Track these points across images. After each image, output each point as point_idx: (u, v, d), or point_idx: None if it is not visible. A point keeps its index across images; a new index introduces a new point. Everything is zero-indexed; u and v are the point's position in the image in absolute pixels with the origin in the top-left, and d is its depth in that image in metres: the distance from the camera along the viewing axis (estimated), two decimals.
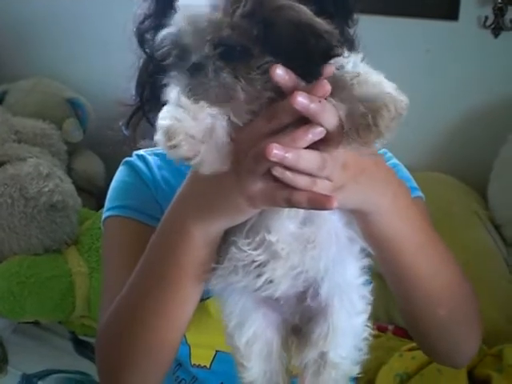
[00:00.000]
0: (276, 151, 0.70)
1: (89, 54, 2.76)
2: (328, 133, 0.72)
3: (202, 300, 1.03)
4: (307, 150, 0.72)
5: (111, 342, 0.93)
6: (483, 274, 2.14)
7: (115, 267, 1.03)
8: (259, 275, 0.81)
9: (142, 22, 1.03)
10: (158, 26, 1.03)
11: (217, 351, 1.09)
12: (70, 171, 2.60)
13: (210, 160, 0.74)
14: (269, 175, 0.72)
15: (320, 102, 0.71)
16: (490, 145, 2.43)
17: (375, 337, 1.94)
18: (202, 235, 0.82)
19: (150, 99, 1.02)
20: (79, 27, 2.77)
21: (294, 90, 0.71)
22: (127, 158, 1.13)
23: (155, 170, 1.10)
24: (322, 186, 0.74)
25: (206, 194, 0.80)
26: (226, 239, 0.83)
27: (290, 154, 0.70)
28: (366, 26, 2.41)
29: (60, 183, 2.25)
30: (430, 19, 2.51)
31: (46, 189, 2.19)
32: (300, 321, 0.90)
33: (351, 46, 1.02)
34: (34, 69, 2.85)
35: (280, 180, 0.72)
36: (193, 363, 1.11)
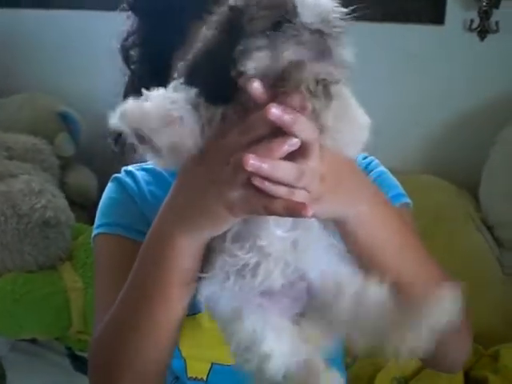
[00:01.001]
0: (252, 161, 0.71)
1: (80, 69, 2.77)
2: (304, 144, 0.74)
3: (194, 314, 1.04)
4: (283, 161, 0.74)
5: (102, 357, 0.94)
6: (477, 275, 2.15)
7: (105, 284, 1.04)
8: (254, 276, 0.82)
9: (126, 39, 1.04)
10: (142, 42, 1.05)
11: (212, 363, 1.10)
12: (62, 185, 2.60)
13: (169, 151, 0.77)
14: (248, 184, 0.74)
15: (293, 113, 0.72)
16: (480, 146, 2.44)
17: None
18: (186, 245, 0.83)
19: None
20: (71, 42, 2.78)
21: (268, 102, 0.73)
22: (115, 175, 1.14)
23: (143, 185, 1.11)
24: (299, 196, 0.75)
25: (188, 205, 0.82)
26: (212, 248, 0.84)
27: (266, 164, 0.72)
28: (353, 32, 2.43)
29: (52, 199, 2.25)
30: (416, 24, 2.53)
31: (39, 205, 2.18)
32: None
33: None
34: (26, 84, 2.85)
35: (259, 189, 0.74)
36: (189, 376, 1.11)
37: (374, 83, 2.53)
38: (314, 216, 0.77)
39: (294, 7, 0.75)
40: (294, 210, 0.74)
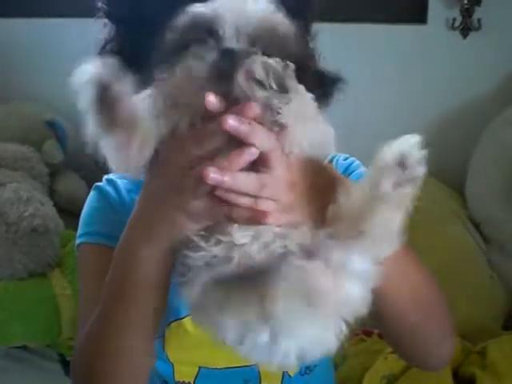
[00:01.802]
0: (213, 175, 0.72)
1: (67, 76, 2.77)
2: (264, 153, 0.74)
3: (180, 319, 1.05)
4: (244, 173, 0.74)
5: (82, 365, 0.95)
6: (465, 272, 2.16)
7: (87, 293, 1.05)
8: (229, 260, 0.80)
9: (104, 47, 1.05)
10: (119, 50, 1.06)
11: (200, 367, 1.10)
12: (52, 193, 2.60)
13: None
14: (210, 194, 0.75)
15: (250, 123, 0.73)
16: (465, 144, 2.46)
17: (360, 341, 1.97)
18: (149, 252, 0.83)
19: None
20: (57, 50, 2.78)
21: (223, 112, 0.73)
22: (97, 183, 1.15)
23: (124, 193, 1.12)
24: (264, 206, 0.76)
25: (149, 214, 0.83)
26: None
27: (227, 177, 0.73)
28: (336, 34, 2.45)
29: (40, 207, 2.25)
30: (399, 24, 2.55)
31: (27, 213, 2.18)
32: None
33: (311, 59, 1.03)
34: (12, 92, 2.85)
35: (220, 198, 0.75)
36: (177, 380, 1.11)
37: (356, 83, 2.54)
38: (285, 224, 0.78)
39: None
40: (253, 219, 0.75)
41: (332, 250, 0.78)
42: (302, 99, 0.76)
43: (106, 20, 1.06)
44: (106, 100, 0.77)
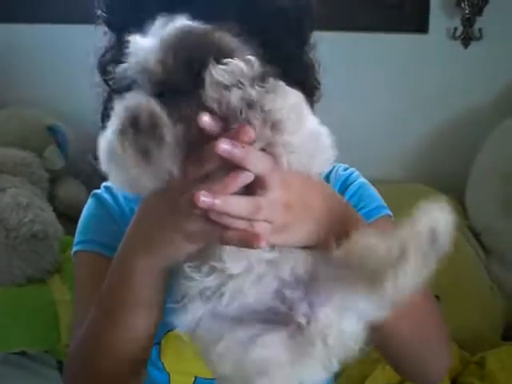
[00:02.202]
0: (203, 198, 0.71)
1: (69, 82, 2.77)
2: (259, 176, 0.74)
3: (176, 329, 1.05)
4: (236, 196, 0.74)
5: (74, 376, 0.95)
6: (465, 282, 2.16)
7: (82, 301, 1.05)
8: (221, 295, 0.81)
9: (103, 55, 1.05)
10: (120, 58, 1.06)
11: (196, 377, 1.10)
12: (51, 198, 2.60)
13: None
14: (204, 215, 0.74)
15: (244, 147, 0.72)
16: (466, 153, 2.47)
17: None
18: (145, 272, 0.83)
19: None
20: (59, 56, 2.78)
21: (219, 135, 0.72)
22: (95, 191, 1.15)
23: (122, 201, 1.11)
24: (260, 228, 0.75)
25: (146, 234, 0.82)
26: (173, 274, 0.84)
27: (218, 200, 0.72)
28: (338, 42, 2.46)
29: (40, 213, 2.26)
30: (400, 33, 2.56)
31: (26, 219, 2.19)
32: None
33: (311, 70, 1.03)
34: (14, 98, 2.86)
35: (215, 221, 0.74)
36: None
37: (358, 92, 2.56)
38: (282, 245, 0.78)
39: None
40: (247, 241, 0.74)
41: (335, 290, 0.78)
42: (285, 89, 0.74)
43: (106, 28, 1.06)
44: (145, 136, 0.75)
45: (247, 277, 0.79)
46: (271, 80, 0.73)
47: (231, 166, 0.73)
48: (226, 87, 0.72)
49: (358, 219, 0.90)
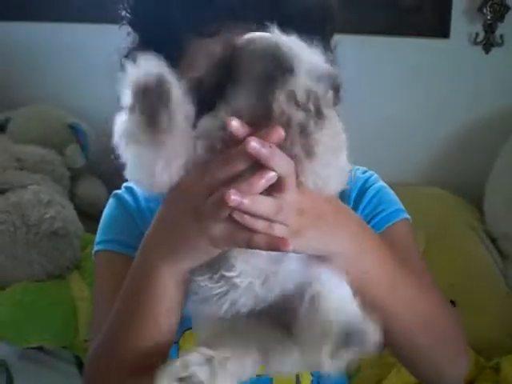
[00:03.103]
0: (234, 197, 0.72)
1: (91, 80, 2.79)
2: (280, 178, 0.75)
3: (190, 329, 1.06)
4: (262, 196, 0.75)
5: (94, 378, 0.96)
6: (480, 288, 2.16)
7: (102, 301, 1.06)
8: (221, 304, 0.84)
9: (127, 56, 1.06)
10: None
11: None
12: (72, 196, 2.62)
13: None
14: (230, 218, 0.75)
15: (271, 147, 0.73)
16: (485, 158, 2.46)
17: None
18: (168, 276, 0.84)
19: None
20: (81, 54, 2.80)
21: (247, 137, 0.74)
22: (116, 191, 1.16)
23: (142, 202, 1.13)
24: (279, 230, 0.76)
25: (169, 237, 0.83)
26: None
27: (247, 199, 0.73)
28: (359, 46, 2.46)
29: (61, 210, 2.28)
30: (421, 37, 2.56)
31: (47, 215, 2.21)
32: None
33: None
34: (36, 96, 2.88)
35: (240, 223, 0.75)
36: None
37: (379, 96, 2.56)
38: (294, 251, 0.78)
39: (291, 62, 0.77)
40: (273, 245, 0.76)
41: None
42: (335, 130, 0.76)
43: (130, 29, 1.07)
44: (152, 99, 0.75)
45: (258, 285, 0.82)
46: (329, 114, 0.75)
47: (256, 168, 0.74)
48: (296, 103, 0.74)
49: (372, 235, 0.91)
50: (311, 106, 0.74)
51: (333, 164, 0.77)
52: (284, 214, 0.76)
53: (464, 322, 1.05)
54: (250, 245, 0.77)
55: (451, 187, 2.52)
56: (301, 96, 0.74)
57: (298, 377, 1.09)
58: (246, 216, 0.75)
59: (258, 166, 0.74)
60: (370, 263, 0.88)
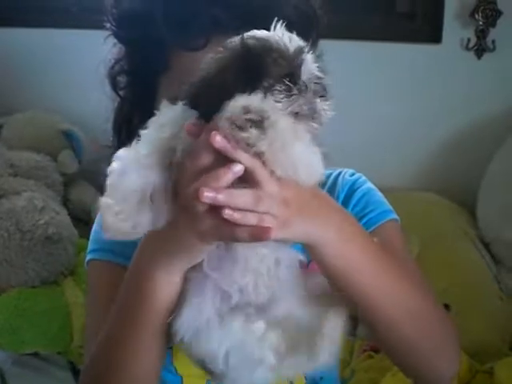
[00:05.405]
0: (207, 193, 0.74)
1: (84, 86, 2.79)
2: (249, 170, 0.76)
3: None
4: (239, 189, 0.76)
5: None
6: (474, 292, 2.16)
7: (96, 310, 1.06)
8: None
9: (113, 67, 1.08)
10: (128, 69, 1.08)
11: (208, 380, 1.11)
12: (66, 202, 2.63)
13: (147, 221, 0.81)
14: (214, 213, 0.76)
15: (235, 142, 0.75)
16: (477, 164, 2.48)
17: (368, 357, 1.97)
18: (164, 278, 0.85)
19: (126, 141, 1.04)
20: (75, 60, 2.79)
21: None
22: None
23: None
24: (267, 222, 0.77)
25: (162, 239, 0.84)
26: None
27: (221, 194, 0.74)
28: (350, 52, 2.47)
29: (55, 215, 2.29)
30: (414, 43, 2.57)
31: (42, 221, 2.22)
32: None
33: None
34: (30, 102, 2.88)
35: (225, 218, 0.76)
36: None
37: (372, 101, 2.57)
38: (281, 240, 0.80)
39: (299, 67, 0.79)
40: (256, 235, 0.76)
41: None
42: (279, 133, 0.77)
43: (116, 40, 1.08)
44: None
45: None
46: (272, 121, 0.76)
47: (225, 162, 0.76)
48: (238, 127, 0.76)
49: (356, 224, 0.92)
50: (249, 127, 0.76)
51: (290, 153, 0.77)
52: (265, 204, 0.77)
53: (457, 327, 1.05)
54: (234, 238, 0.78)
55: (445, 193, 2.53)
56: (239, 121, 0.75)
57: (291, 383, 1.09)
58: (235, 213, 0.75)
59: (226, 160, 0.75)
60: (353, 250, 0.88)
